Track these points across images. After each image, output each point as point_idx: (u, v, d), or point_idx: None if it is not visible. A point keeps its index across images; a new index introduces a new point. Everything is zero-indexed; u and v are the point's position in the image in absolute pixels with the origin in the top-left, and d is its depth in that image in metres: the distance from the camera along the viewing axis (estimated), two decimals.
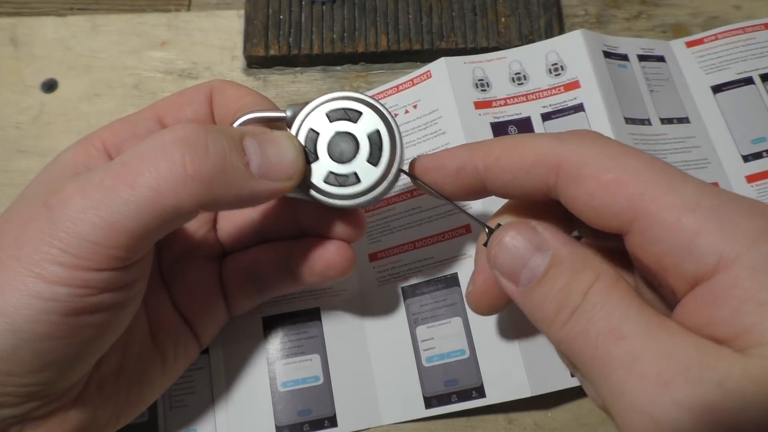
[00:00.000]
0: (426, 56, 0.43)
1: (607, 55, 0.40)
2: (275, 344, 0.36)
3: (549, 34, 0.43)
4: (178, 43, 0.45)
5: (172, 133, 0.24)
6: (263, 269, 0.33)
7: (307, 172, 0.27)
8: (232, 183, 0.24)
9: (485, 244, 0.26)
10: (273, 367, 0.35)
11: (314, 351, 0.36)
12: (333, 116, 0.27)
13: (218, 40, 0.45)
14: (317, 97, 0.27)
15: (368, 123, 0.27)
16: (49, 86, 0.43)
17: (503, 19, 0.44)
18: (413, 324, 0.36)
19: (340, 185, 0.27)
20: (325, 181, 0.27)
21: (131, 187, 0.23)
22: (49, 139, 0.42)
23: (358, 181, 0.27)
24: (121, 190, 0.23)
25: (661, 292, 0.25)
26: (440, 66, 0.40)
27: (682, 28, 0.45)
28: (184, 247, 0.33)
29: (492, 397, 0.34)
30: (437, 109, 0.39)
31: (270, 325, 0.36)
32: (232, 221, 0.33)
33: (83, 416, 0.27)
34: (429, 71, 0.40)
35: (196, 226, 0.33)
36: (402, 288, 0.36)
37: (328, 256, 0.31)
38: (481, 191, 0.28)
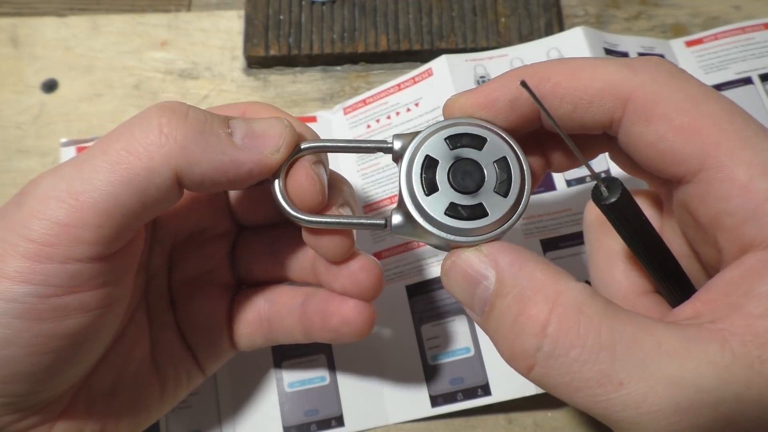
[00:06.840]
0: (426, 56, 0.43)
1: (608, 52, 0.41)
2: (281, 344, 0.35)
3: (549, 34, 0.43)
4: (179, 43, 0.45)
5: (155, 104, 0.23)
6: (274, 313, 0.30)
7: (424, 205, 0.23)
8: (211, 147, 0.23)
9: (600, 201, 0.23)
10: (279, 367, 0.35)
11: (320, 351, 0.35)
12: (454, 142, 0.24)
13: (218, 40, 0.45)
14: (431, 124, 0.25)
15: (494, 149, 0.24)
16: (50, 86, 0.43)
17: (503, 20, 0.44)
18: (418, 322, 0.36)
19: (465, 218, 0.23)
20: (447, 214, 0.23)
21: (104, 152, 0.22)
22: (50, 139, 0.41)
23: (485, 213, 0.23)
24: (94, 158, 0.22)
25: (700, 248, 0.23)
26: (441, 63, 0.40)
27: (682, 28, 0.45)
28: (197, 268, 0.31)
29: (497, 395, 0.34)
30: (439, 106, 0.39)
31: None
32: (252, 249, 0.31)
33: None
34: (430, 69, 0.40)
35: (213, 248, 0.31)
36: (407, 286, 0.36)
37: (346, 312, 0.27)
38: (535, 122, 0.25)
